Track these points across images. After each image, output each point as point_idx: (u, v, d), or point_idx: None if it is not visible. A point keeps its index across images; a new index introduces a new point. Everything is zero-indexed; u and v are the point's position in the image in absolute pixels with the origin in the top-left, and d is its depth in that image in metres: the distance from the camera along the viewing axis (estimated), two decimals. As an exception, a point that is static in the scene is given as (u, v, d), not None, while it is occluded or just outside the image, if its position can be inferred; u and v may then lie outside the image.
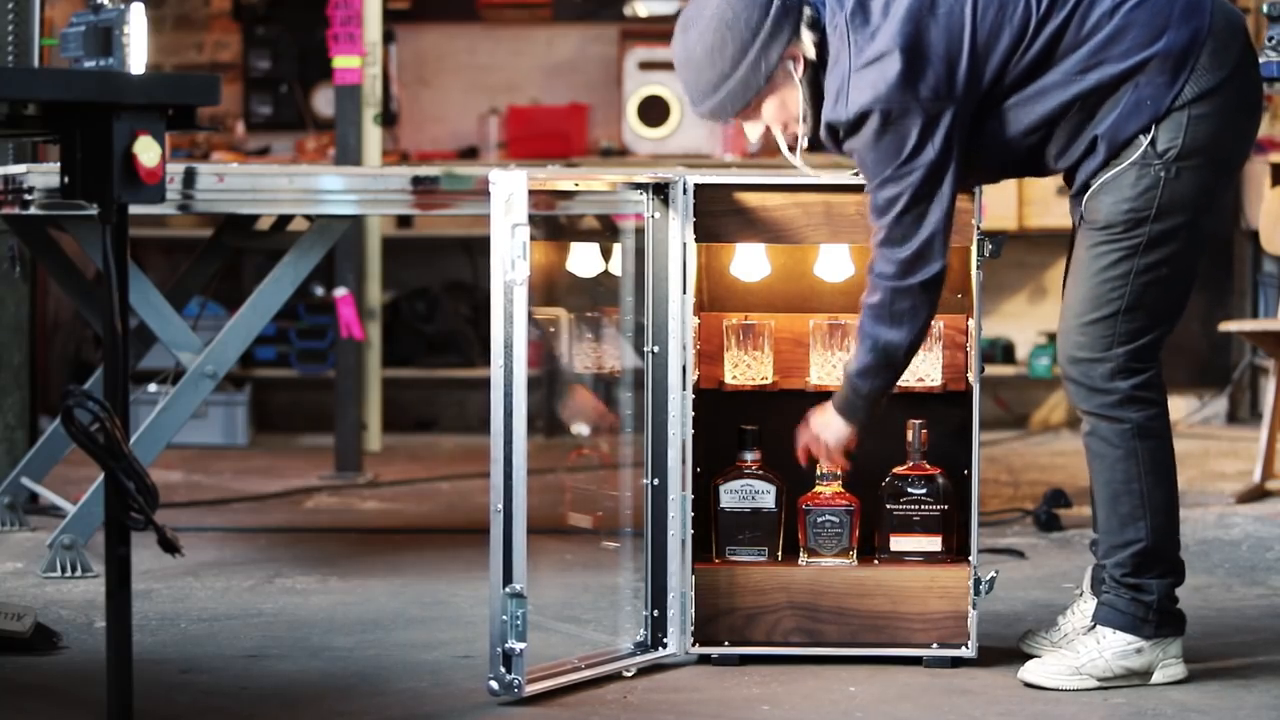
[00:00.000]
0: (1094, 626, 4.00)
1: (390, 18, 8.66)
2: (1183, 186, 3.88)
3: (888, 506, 4.18)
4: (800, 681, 3.98)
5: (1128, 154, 3.89)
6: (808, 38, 3.96)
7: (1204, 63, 3.89)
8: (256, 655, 4.24)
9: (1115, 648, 3.97)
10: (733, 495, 4.21)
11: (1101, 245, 3.92)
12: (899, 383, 4.16)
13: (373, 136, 7.53)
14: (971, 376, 4.14)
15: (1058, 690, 3.94)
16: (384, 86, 8.20)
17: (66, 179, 3.45)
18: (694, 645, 4.13)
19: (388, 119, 8.71)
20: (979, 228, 4.09)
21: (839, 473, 4.17)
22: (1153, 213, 3.89)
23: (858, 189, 4.08)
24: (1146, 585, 3.98)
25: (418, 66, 9.26)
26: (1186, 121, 3.87)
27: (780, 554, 4.21)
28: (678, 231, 4.13)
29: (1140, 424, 3.94)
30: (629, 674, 4.07)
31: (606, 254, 4.26)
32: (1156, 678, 3.98)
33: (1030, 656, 4.11)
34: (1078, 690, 3.94)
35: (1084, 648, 3.99)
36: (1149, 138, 3.87)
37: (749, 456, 4.21)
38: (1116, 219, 3.90)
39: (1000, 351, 8.82)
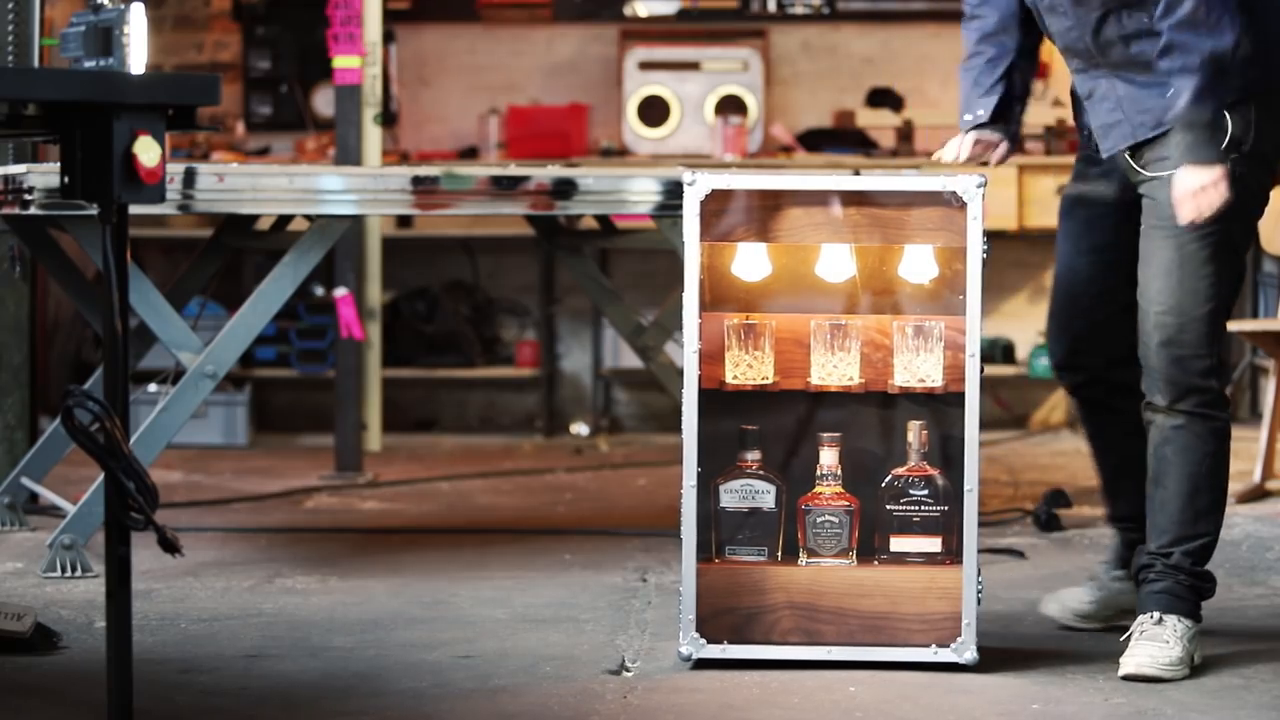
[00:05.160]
0: (1161, 618, 4.09)
1: (390, 18, 8.65)
2: (1255, 181, 4.08)
3: (888, 507, 4.18)
4: (800, 681, 3.98)
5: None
6: None
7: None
8: (256, 655, 4.24)
9: (1187, 635, 4.09)
10: (733, 495, 4.21)
11: (1189, 243, 4.08)
12: (900, 383, 4.17)
13: (373, 136, 7.53)
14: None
15: (1169, 680, 4.00)
16: (384, 86, 8.19)
17: (66, 179, 3.45)
18: (694, 644, 4.13)
19: (388, 119, 8.71)
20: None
21: (839, 473, 4.18)
22: (1233, 206, 4.03)
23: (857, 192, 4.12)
24: (1206, 574, 4.16)
25: (418, 66, 9.26)
26: (1256, 117, 4.04)
27: (780, 554, 4.21)
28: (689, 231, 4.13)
29: (1226, 423, 4.15)
30: (629, 673, 4.08)
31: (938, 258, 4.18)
32: (1197, 658, 4.12)
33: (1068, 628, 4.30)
34: (1177, 680, 4.01)
35: (1172, 638, 4.07)
36: (1226, 131, 4.02)
37: (749, 456, 4.20)
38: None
39: (1000, 352, 8.82)
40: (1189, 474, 4.14)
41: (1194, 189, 4.01)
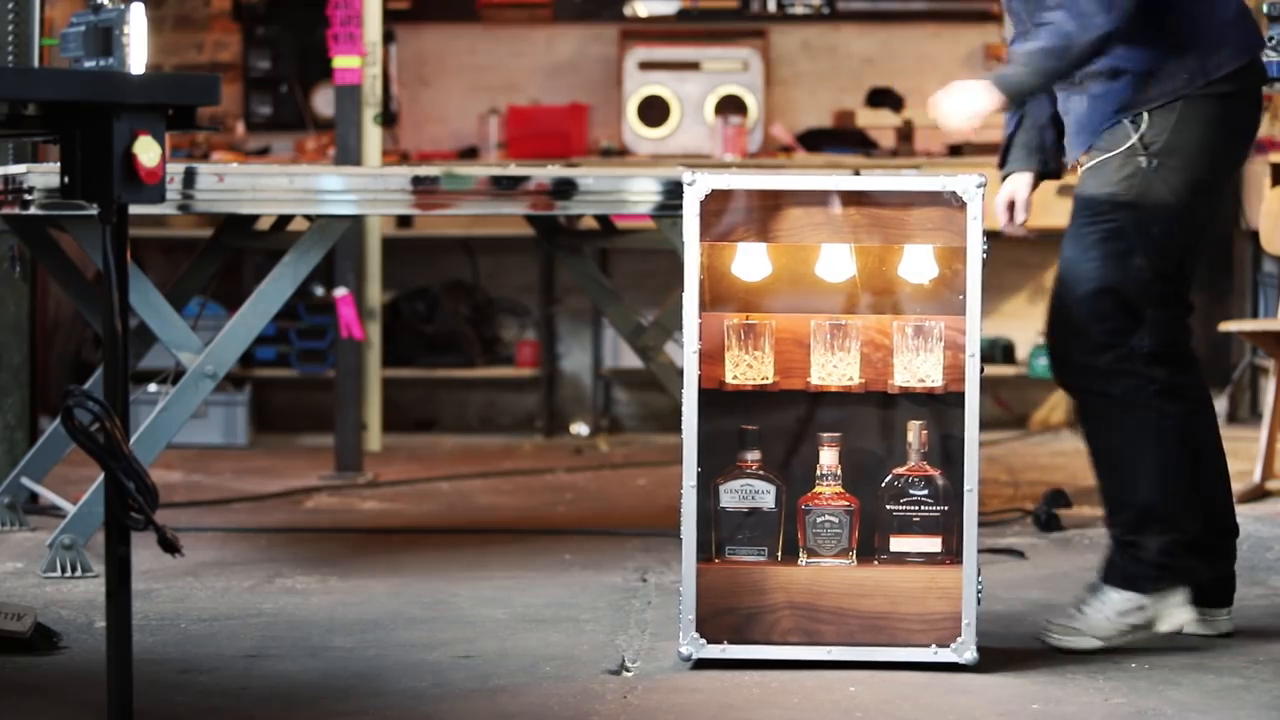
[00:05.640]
0: (1099, 586, 4.23)
1: (390, 18, 8.66)
2: (1161, 182, 4.17)
3: (888, 507, 4.18)
4: (800, 681, 3.98)
5: (1117, 143, 4.18)
6: None
7: (1229, 70, 4.19)
8: (256, 655, 4.24)
9: (1117, 605, 4.20)
10: (733, 495, 4.21)
11: (1082, 226, 4.24)
12: (900, 383, 4.17)
13: (373, 136, 7.53)
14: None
15: (1062, 650, 4.15)
16: (384, 86, 8.19)
17: (66, 179, 3.45)
18: (694, 644, 4.12)
19: (388, 119, 8.71)
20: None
21: (839, 473, 4.18)
22: (1131, 199, 4.18)
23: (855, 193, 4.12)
24: (1142, 543, 4.21)
25: (418, 66, 9.26)
26: (1177, 119, 4.16)
27: (780, 554, 4.21)
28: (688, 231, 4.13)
29: (1122, 396, 4.21)
30: (629, 673, 4.08)
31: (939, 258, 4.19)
32: (1161, 627, 4.21)
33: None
34: (1081, 650, 4.13)
35: (1088, 608, 4.22)
36: (1138, 129, 4.17)
37: (749, 456, 4.20)
38: (1097, 201, 4.21)
39: (1000, 351, 8.82)
40: (1097, 449, 4.28)
41: (958, 95, 4.23)
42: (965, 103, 4.20)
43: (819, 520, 4.18)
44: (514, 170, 5.47)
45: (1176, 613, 4.22)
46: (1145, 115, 4.18)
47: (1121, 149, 4.19)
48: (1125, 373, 4.21)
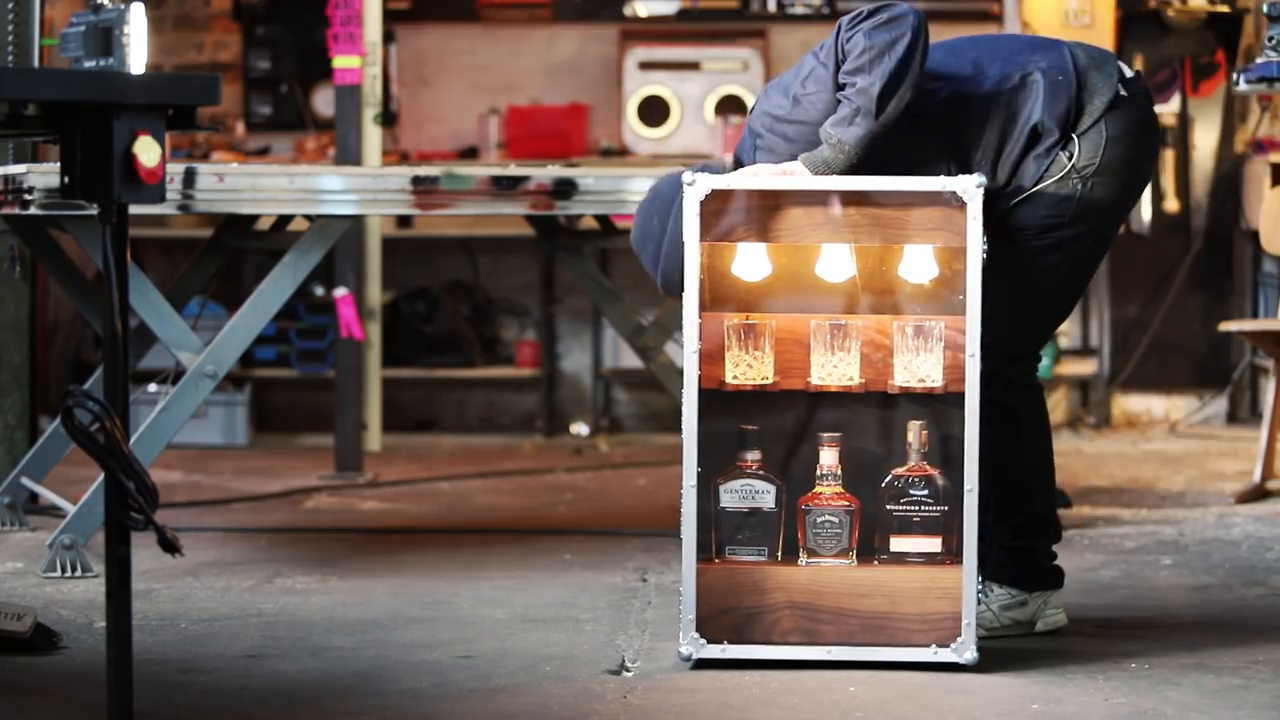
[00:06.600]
0: (982, 582, 4.34)
1: (390, 18, 8.66)
2: (1095, 198, 4.29)
3: (888, 507, 4.18)
4: (800, 681, 3.98)
5: (1054, 173, 4.27)
6: None
7: (1092, 79, 4.31)
8: (256, 655, 4.24)
9: (1001, 600, 4.37)
10: (733, 495, 4.20)
11: (1019, 246, 4.29)
12: (900, 383, 4.17)
13: (373, 136, 7.53)
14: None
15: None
16: (384, 86, 8.20)
17: (66, 179, 3.45)
18: (694, 644, 4.12)
19: (388, 119, 8.71)
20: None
21: (839, 473, 4.18)
22: (1066, 219, 4.29)
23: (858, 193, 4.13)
24: (1029, 547, 4.39)
25: (418, 66, 9.26)
26: (1105, 139, 4.28)
27: (780, 554, 4.21)
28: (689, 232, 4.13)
29: (1024, 408, 4.39)
30: (629, 673, 4.08)
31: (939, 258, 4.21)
32: (1039, 627, 4.38)
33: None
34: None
35: (982, 603, 4.33)
36: (1072, 159, 4.26)
37: (749, 456, 4.20)
38: (1034, 224, 4.29)
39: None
40: (995, 461, 4.33)
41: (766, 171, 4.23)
42: (770, 172, 4.23)
43: (819, 520, 4.18)
44: (514, 170, 5.47)
45: (1054, 616, 4.40)
46: (1076, 142, 4.28)
47: (1056, 177, 4.27)
48: (1030, 386, 4.40)
